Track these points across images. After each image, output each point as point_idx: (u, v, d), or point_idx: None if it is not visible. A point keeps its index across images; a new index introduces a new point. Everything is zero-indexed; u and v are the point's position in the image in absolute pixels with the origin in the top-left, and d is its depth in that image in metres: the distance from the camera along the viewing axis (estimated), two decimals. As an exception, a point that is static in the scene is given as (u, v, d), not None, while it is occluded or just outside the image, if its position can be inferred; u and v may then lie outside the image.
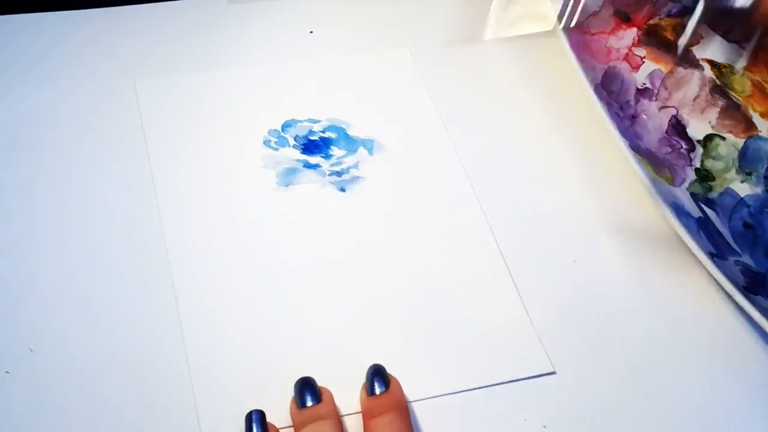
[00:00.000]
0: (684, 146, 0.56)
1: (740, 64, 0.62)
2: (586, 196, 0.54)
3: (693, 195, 0.53)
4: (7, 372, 0.42)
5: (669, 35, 0.61)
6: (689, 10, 0.63)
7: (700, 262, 0.48)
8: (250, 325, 0.46)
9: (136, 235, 0.48)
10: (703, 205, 0.53)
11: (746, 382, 0.47)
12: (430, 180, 0.53)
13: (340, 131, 0.55)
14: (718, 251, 0.49)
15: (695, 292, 0.50)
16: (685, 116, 0.57)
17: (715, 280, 0.47)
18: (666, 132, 0.56)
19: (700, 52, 0.61)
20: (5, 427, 0.41)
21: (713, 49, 0.63)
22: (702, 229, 0.50)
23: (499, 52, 0.61)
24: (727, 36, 0.62)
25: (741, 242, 0.51)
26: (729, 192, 0.54)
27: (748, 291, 0.47)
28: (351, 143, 0.54)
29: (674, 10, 0.64)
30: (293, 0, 0.62)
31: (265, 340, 0.45)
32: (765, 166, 0.56)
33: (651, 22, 0.62)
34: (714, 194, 0.54)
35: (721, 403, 0.46)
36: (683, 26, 0.62)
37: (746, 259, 0.51)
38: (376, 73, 0.55)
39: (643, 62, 0.60)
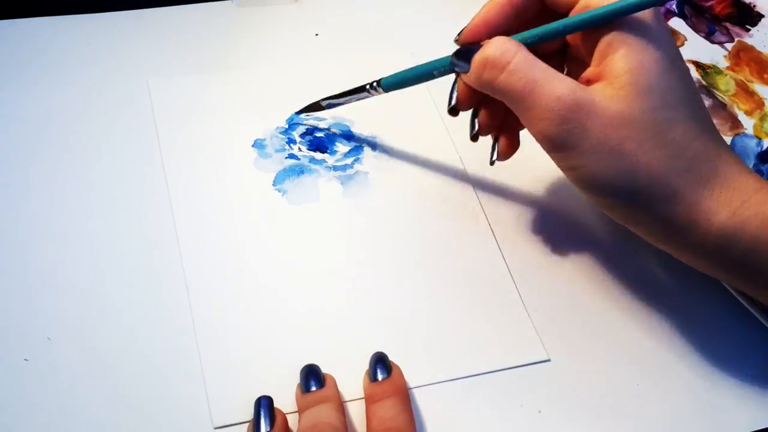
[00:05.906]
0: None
1: (723, 64, 0.61)
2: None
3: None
4: (25, 360, 0.42)
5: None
6: (674, 13, 0.62)
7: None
8: (259, 315, 0.45)
9: (149, 228, 0.47)
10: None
11: (735, 370, 0.46)
12: (431, 175, 0.53)
13: (345, 129, 0.54)
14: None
15: (685, 283, 0.49)
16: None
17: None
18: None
19: (686, 54, 0.60)
20: (24, 413, 0.40)
21: (698, 51, 0.62)
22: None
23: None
24: (710, 37, 0.61)
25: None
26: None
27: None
28: (355, 140, 0.53)
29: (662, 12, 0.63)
30: (300, 4, 0.62)
31: (274, 329, 0.44)
32: (753, 162, 0.55)
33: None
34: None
35: (710, 391, 0.45)
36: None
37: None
38: (378, 73, 0.54)
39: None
